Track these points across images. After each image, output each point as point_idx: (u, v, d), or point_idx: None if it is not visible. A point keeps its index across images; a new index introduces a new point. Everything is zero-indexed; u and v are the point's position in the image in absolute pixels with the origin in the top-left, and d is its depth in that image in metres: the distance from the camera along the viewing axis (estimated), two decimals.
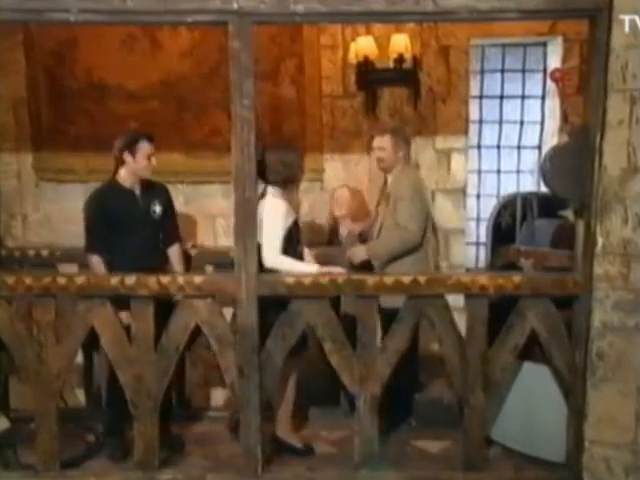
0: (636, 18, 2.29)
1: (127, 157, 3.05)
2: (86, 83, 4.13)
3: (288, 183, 3.05)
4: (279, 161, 2.98)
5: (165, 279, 2.64)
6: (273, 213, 2.91)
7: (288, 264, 2.85)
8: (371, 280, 2.63)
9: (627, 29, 2.30)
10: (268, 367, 2.66)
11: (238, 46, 2.45)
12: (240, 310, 2.62)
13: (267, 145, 3.02)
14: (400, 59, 3.80)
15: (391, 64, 3.86)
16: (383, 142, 3.36)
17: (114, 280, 2.65)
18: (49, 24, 3.43)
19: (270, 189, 2.99)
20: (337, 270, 2.84)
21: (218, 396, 3.58)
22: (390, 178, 3.38)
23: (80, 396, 3.56)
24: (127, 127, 4.03)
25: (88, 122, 4.16)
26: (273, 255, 2.85)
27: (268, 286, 2.65)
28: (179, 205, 4.40)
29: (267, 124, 4.14)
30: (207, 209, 4.40)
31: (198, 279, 2.66)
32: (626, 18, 2.29)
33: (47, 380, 2.69)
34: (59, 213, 4.28)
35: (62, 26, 3.63)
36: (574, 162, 2.50)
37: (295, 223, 3.03)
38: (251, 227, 2.59)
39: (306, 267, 2.89)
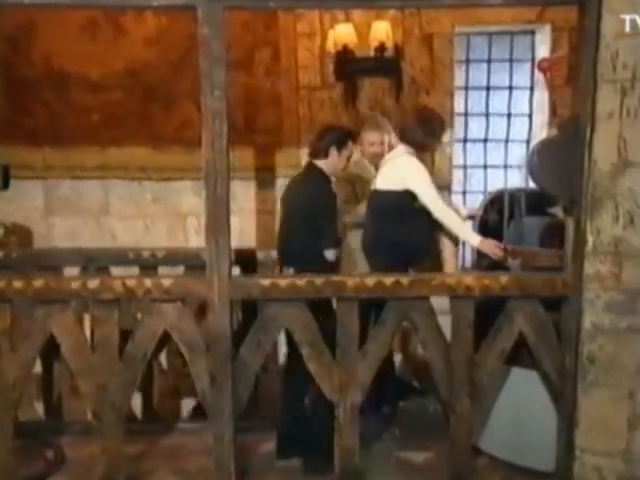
0: (636, 17, 2.31)
1: (333, 152, 3.11)
2: (44, 72, 4.09)
3: (423, 150, 3.34)
4: (422, 126, 3.25)
5: (131, 282, 2.60)
6: (420, 168, 3.23)
7: (457, 221, 3.25)
8: (351, 281, 2.62)
9: (628, 29, 2.32)
10: (242, 375, 2.64)
11: (208, 33, 2.42)
12: (212, 314, 2.59)
13: (416, 107, 3.43)
14: (381, 48, 3.82)
15: (372, 53, 3.89)
16: (378, 137, 3.49)
17: (75, 284, 2.61)
18: (2, 7, 3.37)
19: (404, 148, 3.29)
20: (493, 245, 3.20)
21: (189, 406, 3.55)
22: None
23: (39, 409, 3.50)
24: (89, 119, 3.99)
25: (46, 114, 4.12)
26: (441, 204, 3.20)
27: (242, 289, 2.63)
28: (146, 203, 4.40)
29: (241, 116, 4.14)
30: (177, 207, 4.39)
31: (167, 282, 2.63)
32: (627, 17, 2.32)
33: (2, 391, 2.64)
34: (16, 212, 4.22)
35: (17, 10, 3.58)
36: (563, 156, 2.52)
37: None
38: (223, 226, 2.56)
39: (470, 232, 3.31)
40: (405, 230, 3.26)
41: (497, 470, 2.96)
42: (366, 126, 3.60)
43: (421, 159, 3.33)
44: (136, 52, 4.03)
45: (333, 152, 3.11)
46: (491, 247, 3.22)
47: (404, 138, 3.33)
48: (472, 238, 3.32)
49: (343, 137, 3.16)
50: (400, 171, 3.27)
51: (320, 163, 3.13)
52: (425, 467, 3.04)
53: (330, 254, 3.04)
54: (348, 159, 3.19)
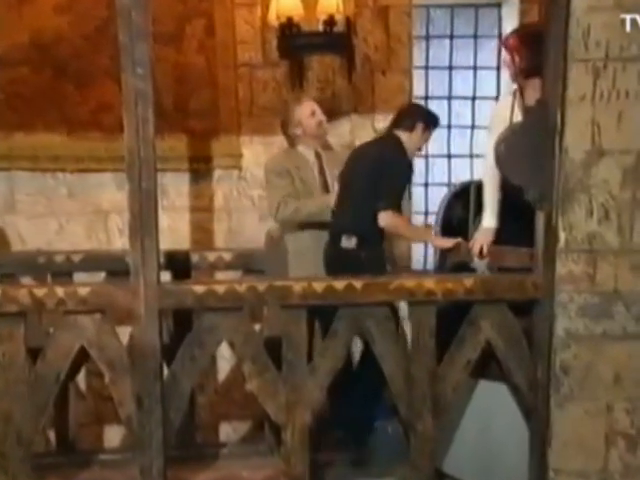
0: (637, 17, 2.37)
1: (419, 128, 3.44)
2: None
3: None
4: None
5: (40, 291, 2.53)
6: (499, 110, 3.28)
7: (490, 191, 3.26)
8: (298, 287, 2.62)
9: (628, 29, 2.38)
10: (174, 396, 2.61)
11: (128, 1, 2.38)
12: (138, 327, 2.56)
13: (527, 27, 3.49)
14: (330, 21, 3.84)
15: (320, 27, 3.88)
16: (315, 106, 3.70)
17: None
18: None
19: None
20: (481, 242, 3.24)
21: (112, 435, 3.49)
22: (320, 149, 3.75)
23: None
24: None
25: None
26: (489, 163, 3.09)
27: (172, 297, 2.60)
28: (60, 199, 4.29)
29: (170, 98, 4.10)
30: (97, 203, 4.31)
31: (83, 290, 2.57)
32: (627, 17, 2.37)
33: None
34: None
35: None
36: (531, 144, 2.57)
37: None
38: (150, 224, 2.53)
39: (490, 211, 3.27)
40: None
41: None
42: (297, 101, 3.80)
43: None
44: (44, 21, 3.90)
45: (419, 128, 3.43)
46: (478, 243, 3.26)
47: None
48: (485, 218, 3.31)
49: (433, 118, 3.51)
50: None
51: (402, 135, 3.42)
52: None
53: (384, 218, 3.27)
54: (426, 141, 3.55)
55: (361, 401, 3.34)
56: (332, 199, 3.54)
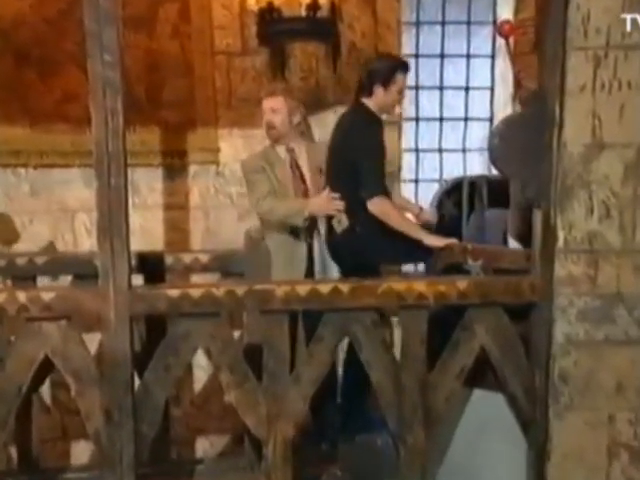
0: (637, 17, 2.39)
1: (378, 90, 3.44)
2: None
3: None
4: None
5: (0, 296, 2.51)
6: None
7: None
8: (280, 291, 2.62)
9: (629, 28, 2.40)
10: (146, 409, 2.60)
11: None
12: (107, 335, 2.54)
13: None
14: (314, 6, 3.84)
15: (303, 12, 3.89)
16: (277, 103, 3.60)
17: None
18: None
19: None
20: None
21: (79, 451, 3.47)
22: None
23: None
24: None
25: None
26: None
27: (145, 302, 2.58)
28: (22, 197, 4.26)
29: (142, 88, 4.09)
30: (63, 201, 4.29)
31: (47, 295, 2.55)
32: (627, 17, 2.39)
33: None
34: None
35: None
36: (528, 138, 2.58)
37: None
38: (120, 224, 2.51)
39: None
40: None
41: None
42: (267, 91, 3.74)
43: None
44: (3, 5, 3.89)
45: (378, 90, 3.44)
46: None
47: None
48: None
49: (388, 71, 3.45)
50: None
51: (366, 101, 3.48)
52: None
53: (371, 205, 3.30)
54: (399, 93, 3.52)
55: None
56: (307, 205, 3.51)
